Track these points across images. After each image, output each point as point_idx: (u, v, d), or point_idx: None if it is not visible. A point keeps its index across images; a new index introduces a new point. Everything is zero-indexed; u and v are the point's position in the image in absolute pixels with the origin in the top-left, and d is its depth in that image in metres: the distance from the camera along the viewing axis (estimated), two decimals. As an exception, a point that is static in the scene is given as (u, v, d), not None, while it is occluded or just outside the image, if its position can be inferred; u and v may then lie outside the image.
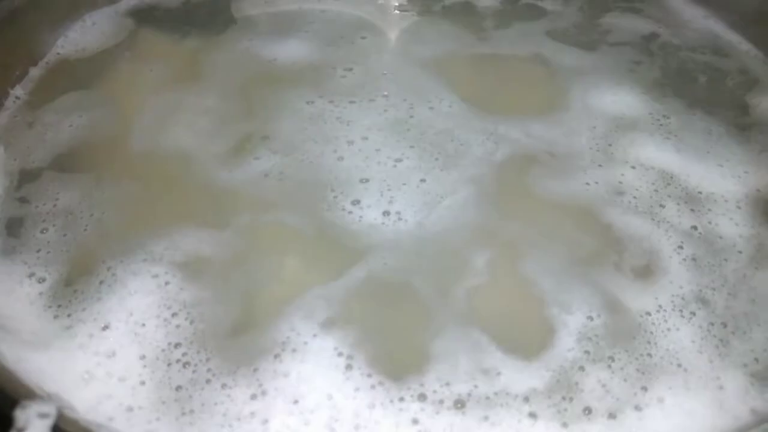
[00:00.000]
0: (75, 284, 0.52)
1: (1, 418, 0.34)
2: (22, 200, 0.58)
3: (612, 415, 0.45)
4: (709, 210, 0.58)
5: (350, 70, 0.70)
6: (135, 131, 0.64)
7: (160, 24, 0.76)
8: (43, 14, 0.71)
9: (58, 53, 0.71)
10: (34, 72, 0.69)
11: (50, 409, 0.34)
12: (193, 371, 0.47)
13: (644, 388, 0.47)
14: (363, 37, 0.74)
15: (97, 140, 0.63)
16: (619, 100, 0.68)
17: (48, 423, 0.33)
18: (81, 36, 0.73)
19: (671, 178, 0.61)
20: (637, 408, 0.46)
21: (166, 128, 0.64)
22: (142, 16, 0.76)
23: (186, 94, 0.67)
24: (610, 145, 0.63)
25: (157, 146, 0.62)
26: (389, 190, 0.59)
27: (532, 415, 0.45)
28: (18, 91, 0.67)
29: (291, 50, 0.73)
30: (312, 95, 0.67)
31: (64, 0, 0.74)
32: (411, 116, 0.65)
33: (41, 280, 0.52)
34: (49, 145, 0.62)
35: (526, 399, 0.46)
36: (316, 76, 0.69)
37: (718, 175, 0.61)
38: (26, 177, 0.60)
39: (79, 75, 0.70)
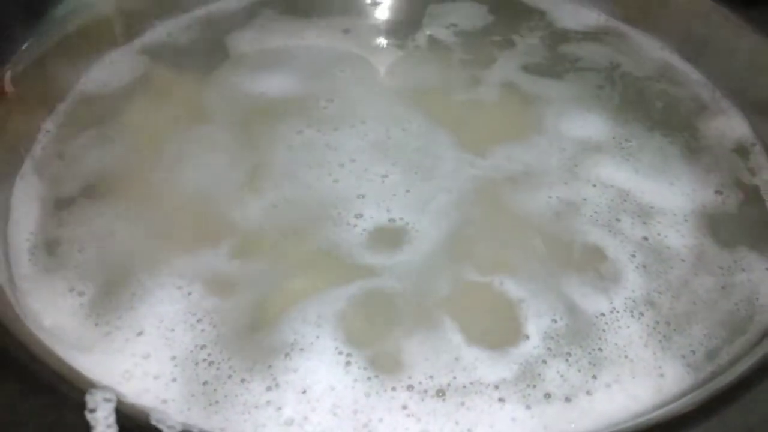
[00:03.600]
0: (110, 296, 0.57)
1: (78, 402, 0.42)
2: (60, 224, 0.63)
3: (568, 399, 0.52)
4: (659, 223, 0.64)
5: (331, 101, 0.76)
6: (153, 164, 0.69)
7: (171, 60, 0.81)
8: (68, 54, 0.76)
9: (82, 90, 0.76)
10: (62, 107, 0.74)
11: (111, 395, 0.41)
12: (217, 369, 0.52)
13: (595, 377, 0.53)
14: (342, 71, 0.80)
15: (120, 171, 0.68)
16: (586, 125, 0.74)
17: (112, 405, 0.40)
18: (101, 73, 0.78)
19: (627, 194, 0.67)
20: (589, 393, 0.52)
21: (180, 161, 0.69)
22: (155, 54, 0.82)
23: (193, 127, 0.73)
24: (576, 165, 0.69)
25: (173, 178, 0.67)
26: (384, 201, 0.65)
27: (501, 400, 0.51)
28: (48, 125, 0.72)
29: (278, 84, 0.78)
30: (301, 125, 0.73)
31: (87, 40, 0.78)
32: (389, 138, 0.72)
33: (81, 294, 0.57)
34: (78, 175, 0.67)
35: (497, 387, 0.52)
36: (302, 108, 0.75)
37: (670, 192, 0.67)
38: (61, 204, 0.64)
39: (101, 110, 0.74)
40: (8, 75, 0.68)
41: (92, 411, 0.40)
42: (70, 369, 0.47)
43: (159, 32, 0.85)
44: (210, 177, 0.68)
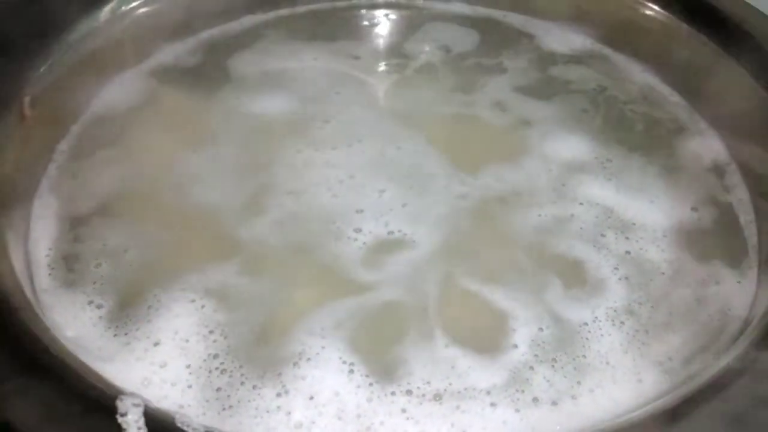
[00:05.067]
0: (128, 309, 0.60)
1: (110, 407, 0.45)
2: (76, 241, 0.66)
3: (554, 403, 0.55)
4: (641, 238, 0.68)
5: (328, 122, 0.80)
6: (162, 182, 0.72)
7: (178, 82, 0.85)
8: (81, 77, 0.79)
9: (93, 111, 0.79)
10: (75, 129, 0.76)
11: (139, 401, 0.45)
12: (230, 376, 0.55)
13: (579, 382, 0.57)
14: (337, 93, 0.84)
15: (132, 190, 0.71)
16: (572, 146, 0.78)
17: (141, 409, 0.44)
18: (112, 95, 0.82)
19: (611, 212, 0.70)
20: (573, 397, 0.55)
21: (188, 179, 0.72)
22: (163, 76, 0.85)
23: (200, 147, 0.76)
24: (563, 185, 0.73)
25: (183, 196, 0.70)
26: (382, 216, 0.69)
27: (493, 404, 0.55)
28: (63, 146, 0.74)
29: (278, 105, 0.82)
30: (300, 145, 0.76)
31: (98, 63, 0.81)
32: (383, 156, 0.76)
33: (99, 307, 0.60)
34: (92, 194, 0.70)
35: (489, 392, 0.55)
36: (301, 128, 0.78)
37: (649, 210, 0.71)
38: (77, 221, 0.67)
39: (112, 131, 0.77)
40: (27, 99, 0.72)
41: (123, 415, 0.44)
42: (98, 377, 0.51)
43: (166, 55, 0.89)
44: (217, 194, 0.72)
